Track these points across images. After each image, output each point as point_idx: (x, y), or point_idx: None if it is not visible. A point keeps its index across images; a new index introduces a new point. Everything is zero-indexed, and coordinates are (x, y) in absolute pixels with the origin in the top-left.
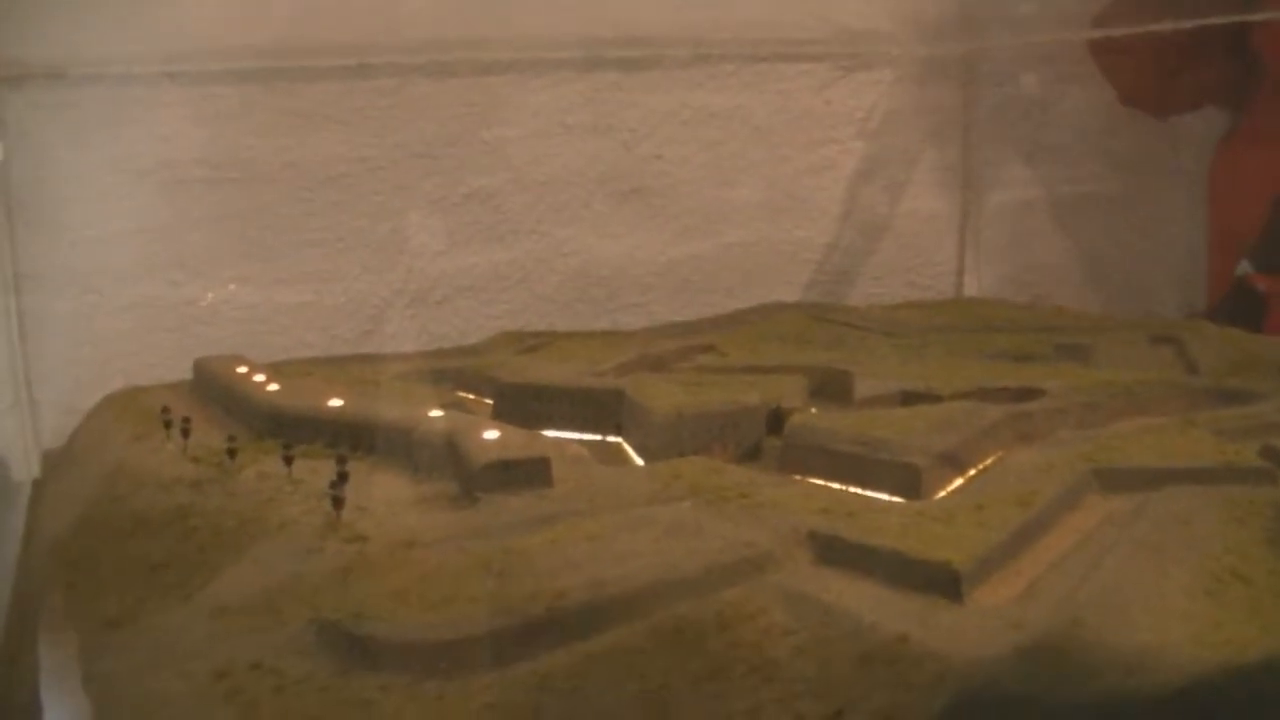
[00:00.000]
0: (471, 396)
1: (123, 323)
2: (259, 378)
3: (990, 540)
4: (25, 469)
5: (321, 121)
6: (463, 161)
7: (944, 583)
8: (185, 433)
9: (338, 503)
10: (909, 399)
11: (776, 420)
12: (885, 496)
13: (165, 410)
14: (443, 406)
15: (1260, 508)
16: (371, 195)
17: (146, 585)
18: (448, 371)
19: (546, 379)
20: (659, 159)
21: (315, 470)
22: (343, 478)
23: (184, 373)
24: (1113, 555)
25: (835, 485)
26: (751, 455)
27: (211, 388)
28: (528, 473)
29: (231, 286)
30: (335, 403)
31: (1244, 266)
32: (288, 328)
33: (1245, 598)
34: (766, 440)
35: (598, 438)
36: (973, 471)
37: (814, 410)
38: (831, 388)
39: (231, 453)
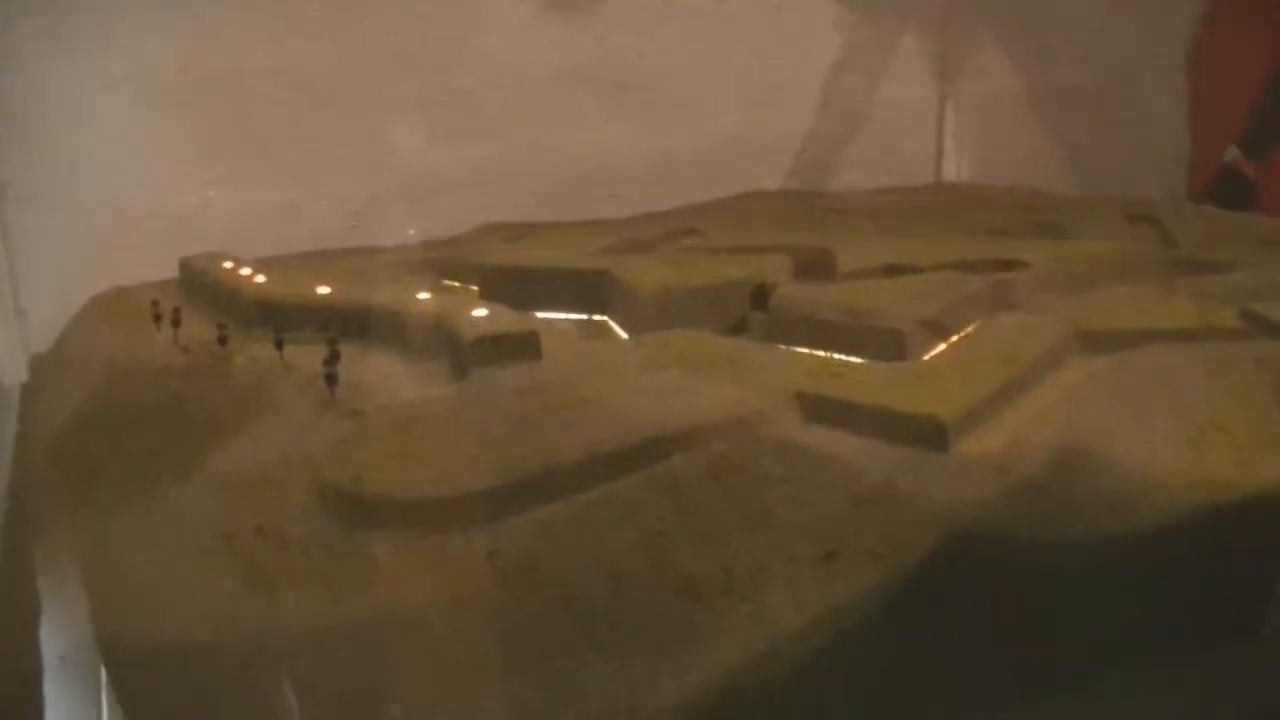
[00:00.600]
0: (458, 284)
1: (107, 229)
2: (245, 271)
3: (975, 394)
4: (14, 375)
5: (302, 26)
6: (442, 61)
7: (931, 434)
8: (176, 323)
9: (331, 380)
10: (891, 272)
11: (761, 295)
12: (870, 361)
13: (155, 304)
14: (431, 291)
15: (1239, 363)
16: (353, 97)
17: (143, 470)
18: (433, 261)
19: (531, 261)
20: (639, 55)
21: (307, 355)
22: (335, 356)
23: (170, 273)
24: (1095, 407)
25: (821, 353)
26: (737, 329)
27: (199, 283)
28: (517, 346)
29: (211, 192)
30: (323, 289)
31: (1232, 152)
32: (272, 226)
33: (1224, 444)
34: (752, 315)
35: (584, 317)
36: (956, 337)
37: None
38: (815, 265)
39: (222, 340)
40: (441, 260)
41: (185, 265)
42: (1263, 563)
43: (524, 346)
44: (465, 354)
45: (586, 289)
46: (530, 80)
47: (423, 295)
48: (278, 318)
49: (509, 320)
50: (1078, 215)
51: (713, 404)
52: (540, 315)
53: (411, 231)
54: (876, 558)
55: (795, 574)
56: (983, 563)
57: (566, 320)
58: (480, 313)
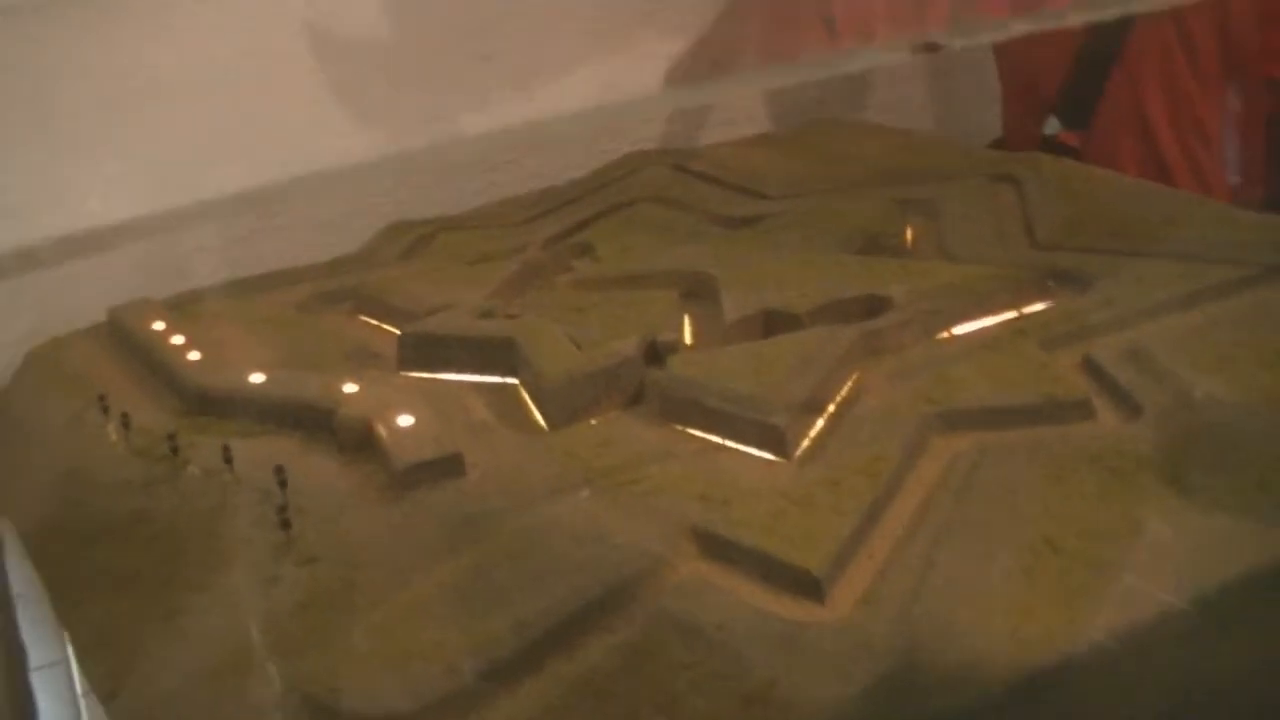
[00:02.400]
0: (374, 321)
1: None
2: (177, 339)
3: (844, 530)
4: None
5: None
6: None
7: (808, 585)
8: (126, 424)
9: (285, 524)
10: (771, 322)
11: (655, 353)
12: (756, 452)
13: (102, 398)
14: (352, 362)
15: (1073, 459)
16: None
17: (121, 598)
18: (345, 292)
19: (443, 328)
20: (505, 20)
21: (253, 460)
22: (282, 485)
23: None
24: (944, 546)
25: (713, 438)
26: (636, 399)
27: (132, 348)
28: (444, 468)
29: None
30: (258, 379)
31: (1053, 125)
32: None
33: (1056, 572)
34: (648, 378)
35: (496, 379)
36: (831, 407)
37: (687, 342)
38: (700, 297)
39: (174, 450)
40: (354, 291)
41: (115, 321)
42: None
43: (449, 468)
44: (397, 478)
45: (496, 355)
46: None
47: (348, 388)
48: (218, 407)
49: (433, 437)
50: (945, 185)
51: (621, 558)
52: (455, 378)
53: None
54: None
55: None
56: None
57: (480, 383)
58: (406, 421)
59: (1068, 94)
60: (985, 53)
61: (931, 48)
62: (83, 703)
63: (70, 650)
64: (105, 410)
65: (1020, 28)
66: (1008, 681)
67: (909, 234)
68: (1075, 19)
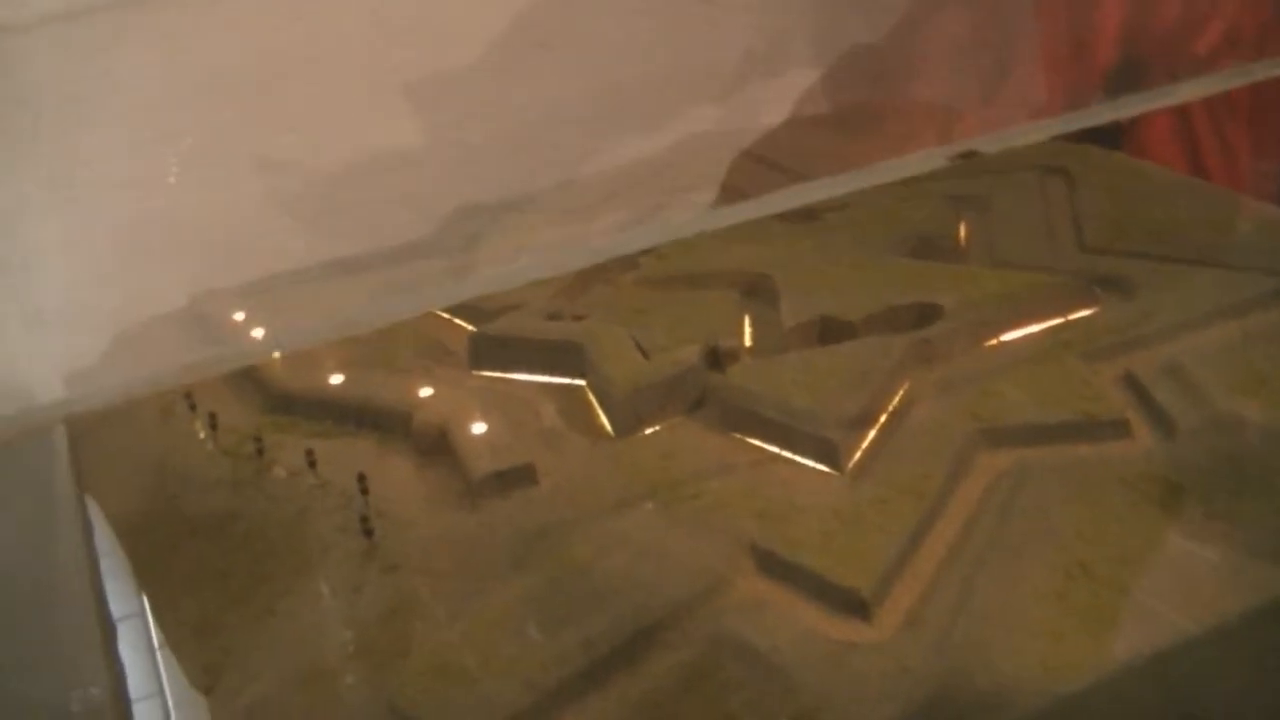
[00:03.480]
0: (447, 316)
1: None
2: (258, 333)
3: (891, 550)
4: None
5: None
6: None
7: (856, 605)
8: (213, 424)
9: (369, 532)
10: (827, 327)
11: (715, 359)
12: (811, 464)
13: (189, 395)
14: (426, 359)
15: (1108, 481)
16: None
17: (214, 595)
18: (416, 282)
19: (512, 330)
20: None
21: (334, 462)
22: (364, 493)
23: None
24: (983, 568)
25: (770, 448)
26: (698, 404)
27: (215, 340)
28: (517, 477)
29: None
30: (337, 380)
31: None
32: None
33: (1087, 595)
34: (709, 384)
35: (565, 380)
36: (882, 419)
37: (747, 345)
38: (759, 298)
39: (259, 451)
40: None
41: (199, 312)
42: None
43: (522, 476)
44: (472, 486)
45: (565, 358)
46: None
47: (424, 392)
48: (300, 409)
49: (506, 446)
50: (998, 179)
51: (683, 574)
52: (525, 378)
53: None
54: None
55: None
56: None
57: (550, 384)
58: (480, 429)
59: (1114, 71)
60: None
61: (969, 155)
62: (159, 655)
63: (147, 604)
64: (193, 407)
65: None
66: (1037, 708)
67: (961, 232)
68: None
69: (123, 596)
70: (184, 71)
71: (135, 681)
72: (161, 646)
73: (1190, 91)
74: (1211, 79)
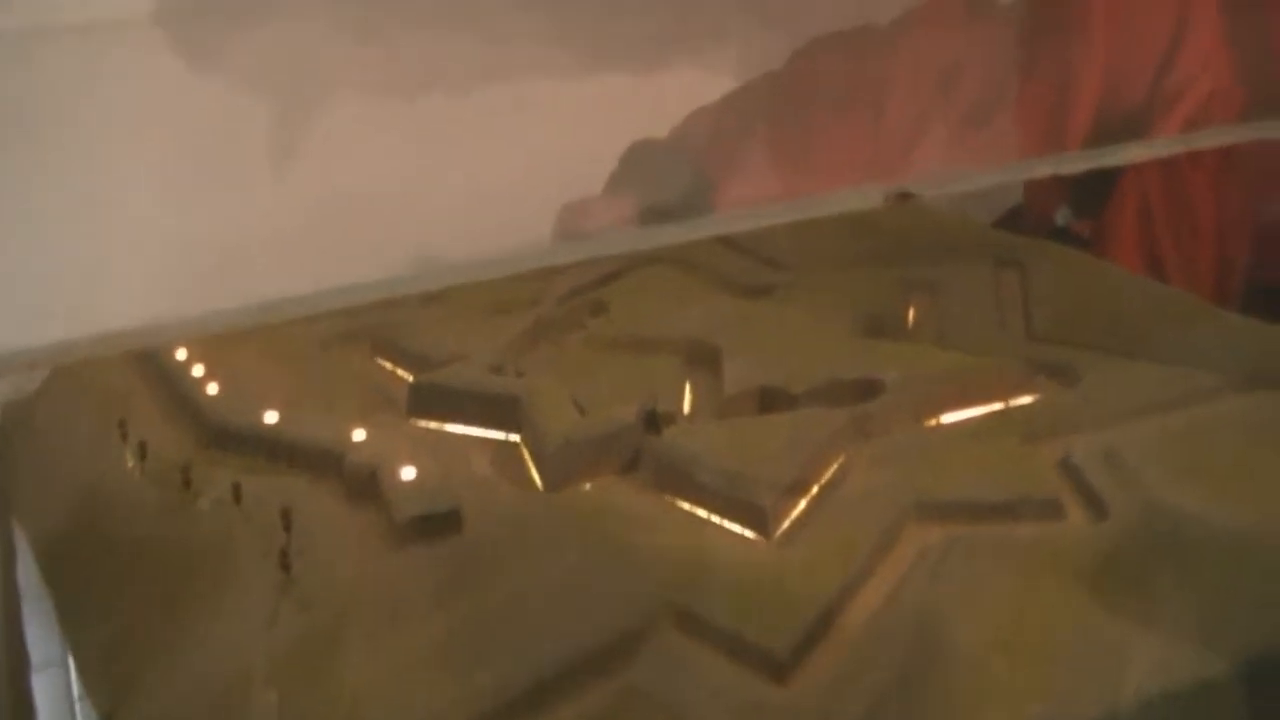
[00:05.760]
0: (388, 365)
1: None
2: (198, 370)
3: (812, 614)
4: None
5: None
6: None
7: (772, 666)
8: (143, 452)
9: (286, 567)
10: (767, 398)
11: (654, 421)
12: (740, 529)
13: (122, 423)
14: (365, 405)
15: (1039, 558)
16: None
17: (126, 620)
18: (365, 331)
19: (454, 380)
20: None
21: (262, 497)
22: (287, 528)
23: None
24: (903, 638)
25: (700, 512)
26: (632, 465)
27: (155, 373)
28: (442, 522)
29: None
30: (272, 418)
31: (1065, 215)
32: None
33: (1006, 671)
34: (644, 445)
35: (501, 435)
36: (815, 489)
37: (686, 411)
38: (703, 366)
39: (187, 482)
40: (372, 331)
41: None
42: None
43: (448, 522)
44: (397, 528)
45: (502, 413)
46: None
47: (358, 435)
48: (232, 442)
49: (434, 490)
50: (951, 266)
51: (599, 624)
52: (462, 430)
53: None
54: None
55: None
56: None
57: (484, 439)
58: (409, 473)
59: (1081, 184)
60: None
61: (904, 197)
62: (78, 707)
63: (70, 655)
64: (125, 435)
65: (992, 179)
66: None
67: (911, 314)
68: (1043, 169)
69: (44, 642)
70: None
71: None
72: (80, 698)
73: (1146, 152)
74: (1173, 140)
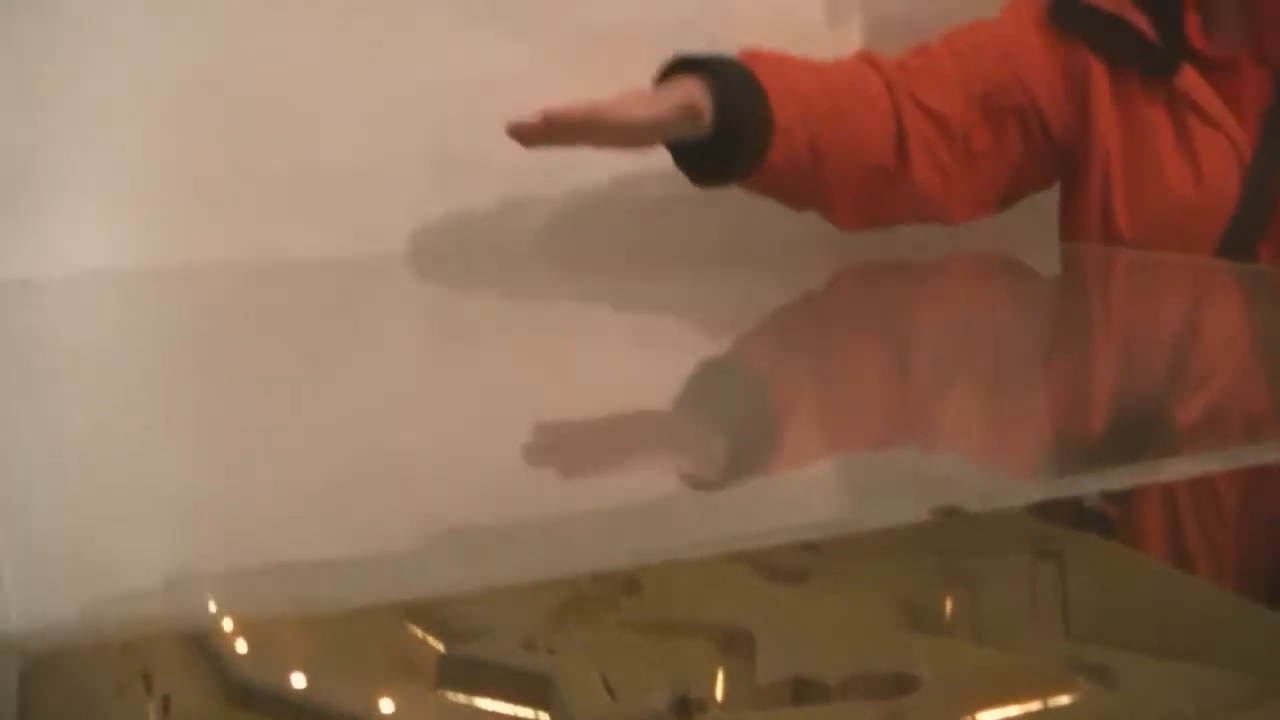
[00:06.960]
0: (419, 632)
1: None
2: (228, 624)
3: None
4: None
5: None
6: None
7: None
8: (166, 709)
9: None
10: (800, 689)
11: (684, 708)
12: None
13: (146, 676)
14: (394, 673)
15: None
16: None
17: None
18: (400, 606)
19: (484, 654)
20: None
21: None
22: None
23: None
24: None
25: None
26: None
27: (184, 625)
28: None
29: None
30: (298, 682)
31: (1094, 498)
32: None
33: None
34: None
35: (530, 714)
36: None
37: (718, 702)
38: (737, 652)
39: None
40: (409, 606)
41: (171, 595)
42: None
43: None
44: None
45: (533, 691)
46: None
47: (385, 706)
48: (258, 701)
49: None
50: (990, 559)
51: None
52: (490, 705)
53: None
54: None
55: None
56: None
57: (515, 714)
58: None
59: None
60: None
61: (950, 512)
62: None
63: None
64: (149, 689)
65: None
66: None
67: (948, 606)
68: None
69: None
70: None
71: None
72: None
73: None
74: (1195, 460)
